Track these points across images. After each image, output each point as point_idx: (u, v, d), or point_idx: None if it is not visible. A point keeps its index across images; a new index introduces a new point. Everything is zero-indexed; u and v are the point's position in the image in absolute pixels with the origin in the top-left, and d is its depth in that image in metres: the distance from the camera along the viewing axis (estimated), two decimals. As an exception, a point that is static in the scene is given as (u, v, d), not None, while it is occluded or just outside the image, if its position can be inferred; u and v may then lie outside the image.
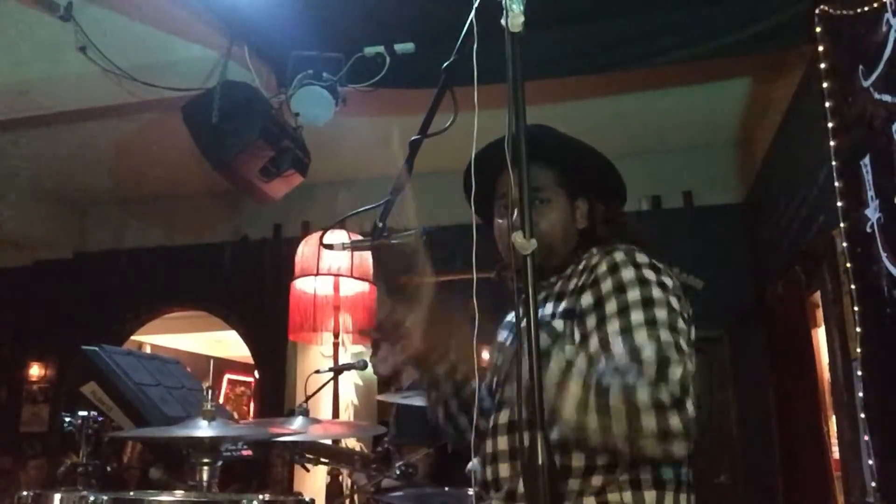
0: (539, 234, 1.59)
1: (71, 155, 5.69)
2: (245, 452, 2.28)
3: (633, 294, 1.34)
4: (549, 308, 1.45)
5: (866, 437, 2.88)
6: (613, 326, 1.32)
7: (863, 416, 2.89)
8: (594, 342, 1.33)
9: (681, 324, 1.34)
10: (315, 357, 5.81)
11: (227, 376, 8.75)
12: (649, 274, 1.38)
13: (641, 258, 1.41)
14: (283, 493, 5.06)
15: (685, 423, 1.19)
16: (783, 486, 4.68)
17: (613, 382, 1.22)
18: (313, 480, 4.94)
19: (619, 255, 1.41)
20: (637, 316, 1.31)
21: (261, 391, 6.49)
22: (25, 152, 5.57)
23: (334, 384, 3.64)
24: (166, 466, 2.07)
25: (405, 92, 3.83)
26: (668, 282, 1.40)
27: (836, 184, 3.01)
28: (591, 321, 1.36)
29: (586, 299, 1.39)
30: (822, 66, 3.13)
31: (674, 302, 1.37)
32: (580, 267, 1.47)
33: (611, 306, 1.35)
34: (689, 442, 1.21)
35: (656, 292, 1.35)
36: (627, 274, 1.37)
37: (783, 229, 4.43)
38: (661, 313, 1.32)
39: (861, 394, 2.90)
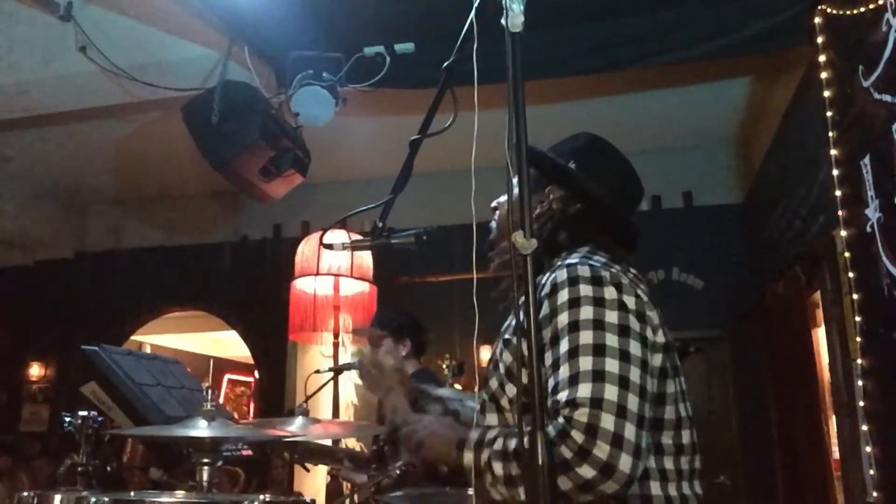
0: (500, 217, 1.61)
1: (71, 155, 5.70)
2: (245, 452, 2.28)
3: (563, 319, 1.29)
4: (512, 320, 1.42)
5: (868, 448, 2.87)
6: (548, 359, 1.28)
7: (864, 427, 2.88)
8: (544, 372, 1.30)
9: (610, 340, 1.26)
10: (315, 357, 5.81)
11: (227, 376, 8.76)
12: (585, 290, 1.31)
13: (583, 270, 1.34)
14: (283, 493, 5.06)
15: (596, 467, 1.15)
16: (783, 486, 4.68)
17: (514, 451, 1.23)
18: (313, 480, 4.94)
19: (560, 274, 1.35)
20: (563, 345, 1.27)
21: (261, 391, 6.49)
22: (25, 152, 5.58)
23: (334, 384, 3.64)
24: (166, 467, 2.07)
25: (405, 92, 3.84)
26: (608, 293, 1.31)
27: (837, 185, 3.01)
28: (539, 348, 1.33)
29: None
30: (822, 66, 3.14)
31: (609, 317, 1.28)
32: (539, 279, 1.41)
33: (547, 333, 1.30)
34: (613, 478, 1.15)
35: (585, 312, 1.28)
36: (562, 295, 1.32)
37: (783, 229, 4.43)
38: (585, 336, 1.26)
39: (862, 402, 2.89)
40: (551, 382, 1.26)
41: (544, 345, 1.30)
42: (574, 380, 1.22)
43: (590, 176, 1.55)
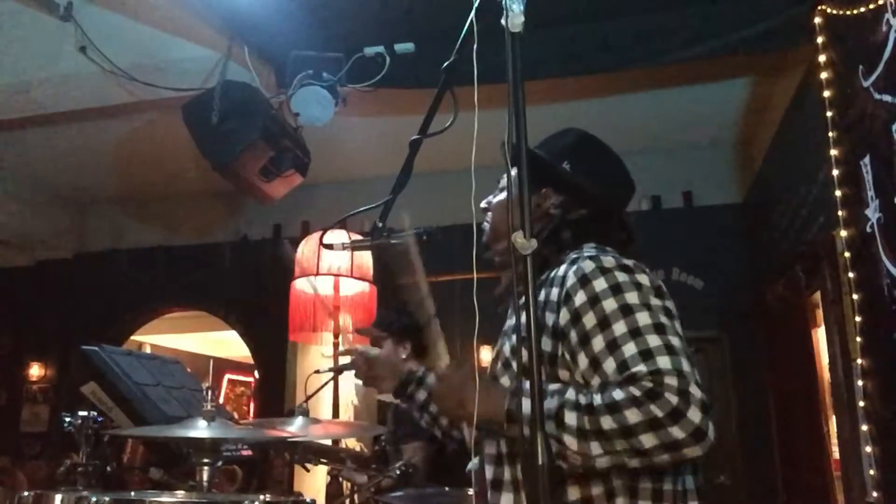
0: (494, 217, 1.61)
1: (71, 155, 5.69)
2: (245, 452, 2.28)
3: (610, 304, 1.30)
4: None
5: (868, 449, 2.87)
6: (599, 343, 1.28)
7: (864, 427, 2.88)
8: (583, 362, 1.30)
9: (664, 319, 1.29)
10: (315, 357, 5.81)
11: (227, 376, 8.76)
12: (622, 276, 1.33)
13: (608, 261, 1.37)
14: (283, 493, 5.06)
15: (688, 429, 1.16)
16: (783, 486, 4.68)
17: (601, 407, 1.20)
18: (313, 480, 4.94)
19: (586, 265, 1.36)
20: (619, 327, 1.27)
21: (261, 391, 6.48)
22: (26, 152, 5.58)
23: (334, 384, 3.63)
24: (166, 467, 2.07)
25: (405, 92, 3.84)
26: (643, 279, 1.35)
27: (837, 185, 3.01)
28: (573, 339, 1.32)
29: (563, 316, 1.34)
30: (822, 66, 3.14)
31: (653, 300, 1.32)
32: (552, 275, 1.42)
33: (589, 320, 1.30)
34: (701, 443, 1.18)
35: (632, 296, 1.31)
36: (599, 283, 1.32)
37: (783, 229, 4.42)
38: (643, 317, 1.28)
39: (862, 402, 2.89)
40: (611, 363, 1.26)
41: (586, 333, 1.30)
42: (649, 354, 1.23)
43: (584, 176, 1.55)
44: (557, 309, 1.36)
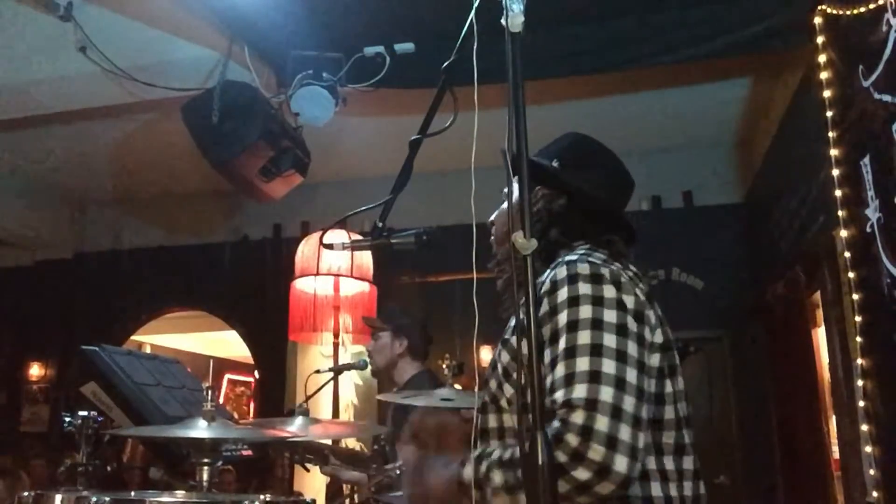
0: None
1: (71, 155, 5.70)
2: (245, 452, 2.28)
3: (562, 318, 1.29)
4: (513, 321, 1.40)
5: (868, 449, 2.87)
6: (546, 357, 1.28)
7: (864, 427, 2.88)
8: (544, 370, 1.29)
9: (608, 339, 1.25)
10: (315, 357, 5.81)
11: (227, 376, 8.76)
12: (584, 288, 1.31)
13: (583, 268, 1.34)
14: (283, 493, 5.06)
15: (592, 468, 1.15)
16: (783, 486, 4.68)
17: (518, 459, 1.18)
18: (313, 480, 4.94)
19: (560, 272, 1.35)
20: (561, 343, 1.26)
21: (261, 391, 6.49)
22: (25, 152, 5.58)
23: (334, 384, 3.63)
24: (166, 466, 2.07)
25: (405, 92, 3.84)
26: (608, 292, 1.31)
27: (837, 185, 3.01)
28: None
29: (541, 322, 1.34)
30: (822, 66, 3.14)
31: (607, 316, 1.28)
32: (540, 279, 1.41)
33: (545, 332, 1.30)
34: (608, 480, 1.15)
35: (584, 311, 1.28)
36: (561, 293, 1.31)
37: (783, 229, 4.43)
38: (583, 336, 1.25)
39: (862, 402, 2.89)
40: (548, 381, 1.25)
41: (544, 342, 1.29)
42: (570, 379, 1.22)
43: (573, 171, 1.55)
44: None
